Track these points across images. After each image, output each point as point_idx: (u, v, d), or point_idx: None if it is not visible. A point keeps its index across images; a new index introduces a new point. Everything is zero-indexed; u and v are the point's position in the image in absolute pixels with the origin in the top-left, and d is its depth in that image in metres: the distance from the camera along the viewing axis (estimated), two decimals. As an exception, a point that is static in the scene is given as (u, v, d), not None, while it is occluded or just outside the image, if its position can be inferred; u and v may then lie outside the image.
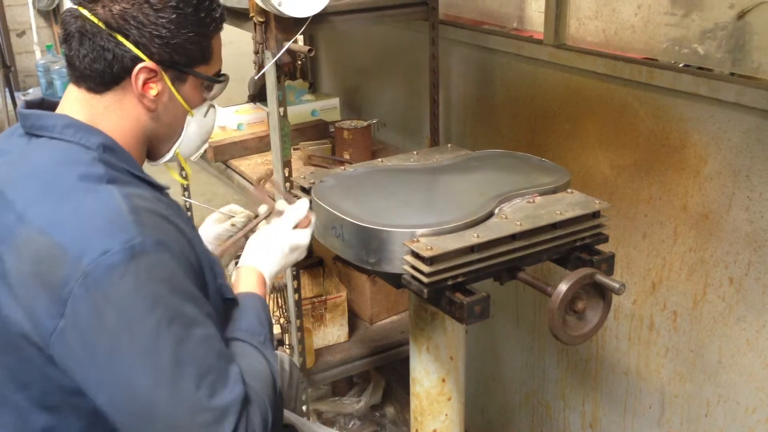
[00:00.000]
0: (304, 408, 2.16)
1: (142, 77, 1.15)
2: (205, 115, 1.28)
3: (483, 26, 2.45)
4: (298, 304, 2.04)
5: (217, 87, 1.27)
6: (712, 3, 1.74)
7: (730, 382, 1.75)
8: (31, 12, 5.99)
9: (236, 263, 1.41)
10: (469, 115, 2.40)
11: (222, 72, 1.27)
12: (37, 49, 5.96)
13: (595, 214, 1.52)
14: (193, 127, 1.27)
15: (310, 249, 2.27)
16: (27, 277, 1.02)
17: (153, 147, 1.25)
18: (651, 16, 1.86)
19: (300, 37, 1.91)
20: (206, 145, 1.35)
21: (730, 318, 1.71)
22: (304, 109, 2.75)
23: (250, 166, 2.37)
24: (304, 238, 1.41)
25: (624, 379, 2.04)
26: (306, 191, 1.66)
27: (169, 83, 1.18)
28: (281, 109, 1.89)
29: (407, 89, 2.64)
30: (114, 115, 1.17)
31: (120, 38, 1.12)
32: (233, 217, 1.53)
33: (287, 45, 1.80)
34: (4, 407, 1.14)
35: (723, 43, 1.71)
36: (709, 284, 1.74)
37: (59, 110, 1.19)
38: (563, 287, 1.33)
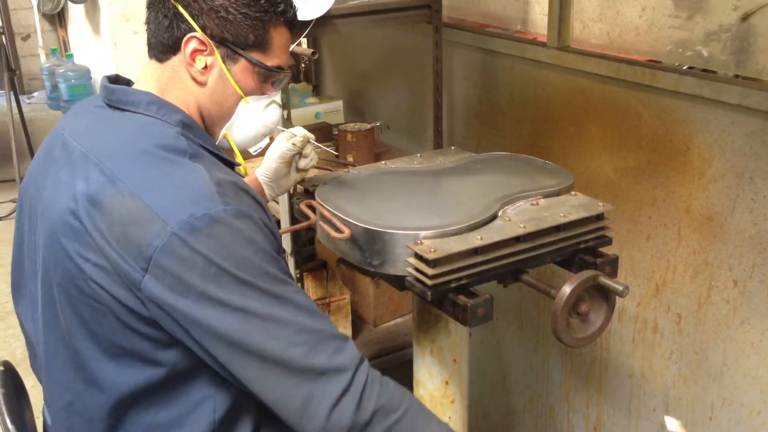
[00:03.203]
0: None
1: (190, 46, 1.20)
2: (265, 108, 1.33)
3: (486, 29, 2.45)
4: (302, 306, 2.03)
5: (277, 81, 1.31)
6: (716, 5, 1.74)
7: (734, 384, 1.74)
8: (36, 15, 6.02)
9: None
10: (472, 117, 2.40)
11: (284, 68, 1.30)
12: (42, 52, 5.99)
13: (599, 217, 1.52)
14: (247, 114, 1.30)
15: (314, 251, 2.28)
16: (117, 235, 1.07)
17: (207, 128, 1.29)
18: (655, 18, 1.86)
19: (304, 40, 1.92)
20: (266, 140, 1.40)
21: (735, 320, 1.71)
22: (308, 111, 2.75)
23: (254, 168, 2.36)
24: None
25: (628, 382, 2.03)
26: (310, 194, 1.66)
27: (219, 60, 1.22)
28: (285, 112, 1.90)
29: (411, 92, 2.64)
30: (174, 86, 1.23)
31: (180, 8, 1.19)
32: (295, 136, 1.59)
33: (291, 48, 1.80)
34: (58, 358, 1.16)
35: (727, 45, 1.71)
36: (714, 287, 1.74)
37: (137, 82, 1.25)
38: (567, 290, 1.32)
